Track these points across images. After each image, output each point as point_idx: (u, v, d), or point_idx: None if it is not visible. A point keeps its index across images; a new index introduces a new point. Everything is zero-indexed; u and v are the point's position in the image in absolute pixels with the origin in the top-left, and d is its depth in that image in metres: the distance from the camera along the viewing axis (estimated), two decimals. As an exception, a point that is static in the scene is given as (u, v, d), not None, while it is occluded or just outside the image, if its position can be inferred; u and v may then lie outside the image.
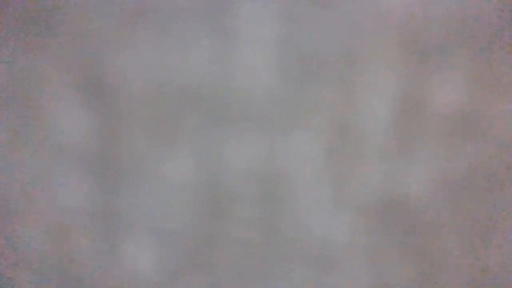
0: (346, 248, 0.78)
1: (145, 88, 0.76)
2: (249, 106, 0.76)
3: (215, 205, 0.77)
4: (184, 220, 0.78)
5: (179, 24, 0.75)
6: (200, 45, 0.75)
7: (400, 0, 0.74)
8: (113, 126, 0.76)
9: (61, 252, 0.79)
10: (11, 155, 0.78)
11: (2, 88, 0.77)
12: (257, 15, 0.74)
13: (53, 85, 0.76)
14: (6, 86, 0.76)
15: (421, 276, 0.78)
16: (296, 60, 0.75)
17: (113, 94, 0.76)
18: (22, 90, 0.76)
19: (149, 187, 0.77)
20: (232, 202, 0.77)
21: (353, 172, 0.76)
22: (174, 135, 0.76)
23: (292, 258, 0.78)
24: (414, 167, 0.76)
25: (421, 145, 0.76)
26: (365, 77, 0.75)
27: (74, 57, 0.76)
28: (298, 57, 0.75)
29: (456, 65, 0.75)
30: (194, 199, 0.77)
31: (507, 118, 0.76)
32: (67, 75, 0.76)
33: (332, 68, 0.75)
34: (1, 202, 0.78)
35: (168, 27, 0.75)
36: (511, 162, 0.76)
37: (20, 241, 0.79)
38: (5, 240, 0.79)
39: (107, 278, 0.79)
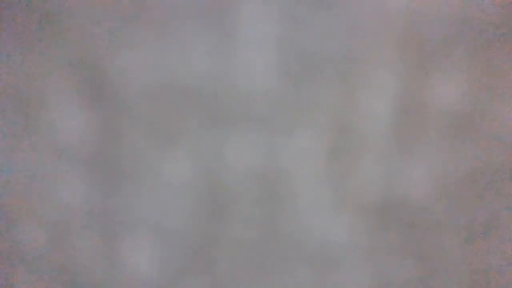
0: (346, 248, 0.78)
1: (145, 88, 0.76)
2: (249, 106, 0.76)
3: (215, 205, 0.77)
4: (184, 220, 0.78)
5: (179, 24, 0.75)
6: (200, 45, 0.75)
7: (400, 0, 0.74)
8: (113, 126, 0.77)
9: (61, 252, 0.79)
10: (11, 155, 0.78)
11: (2, 88, 0.77)
12: (257, 15, 0.74)
13: (53, 85, 0.76)
14: (6, 86, 0.76)
15: (421, 276, 0.78)
16: (296, 60, 0.75)
17: (113, 94, 0.76)
18: (22, 90, 0.76)
19: (149, 187, 0.77)
20: (232, 202, 0.77)
21: (353, 172, 0.76)
22: (174, 135, 0.76)
23: (292, 258, 0.78)
24: (414, 167, 0.76)
25: (421, 145, 0.76)
26: (365, 77, 0.75)
27: (74, 57, 0.76)
28: (298, 57, 0.75)
29: (456, 65, 0.75)
30: (194, 199, 0.77)
31: (507, 118, 0.76)
32: (67, 75, 0.76)
33: (332, 68, 0.75)
34: (1, 202, 0.78)
35: (168, 27, 0.75)
36: (511, 162, 0.76)
37: (20, 241, 0.79)
38: (5, 240, 0.79)
39: (107, 278, 0.79)
